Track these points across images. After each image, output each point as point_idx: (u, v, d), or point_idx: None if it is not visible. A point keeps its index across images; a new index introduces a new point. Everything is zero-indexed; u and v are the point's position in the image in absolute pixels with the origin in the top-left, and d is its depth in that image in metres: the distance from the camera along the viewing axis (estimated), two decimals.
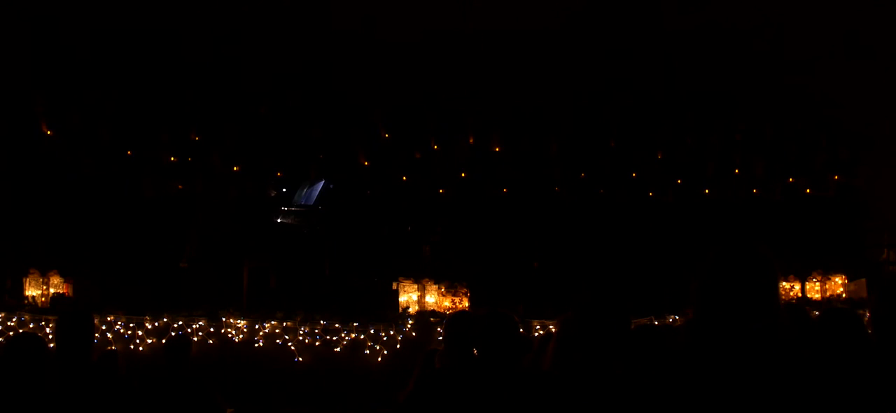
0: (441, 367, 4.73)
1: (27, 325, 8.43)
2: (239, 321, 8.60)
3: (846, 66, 10.93)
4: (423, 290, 9.21)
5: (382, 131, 11.75)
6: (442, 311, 9.05)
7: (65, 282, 9.35)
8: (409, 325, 8.57)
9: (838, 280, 9.76)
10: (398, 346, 8.45)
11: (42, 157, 10.95)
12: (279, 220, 10.91)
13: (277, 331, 8.56)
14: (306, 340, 8.52)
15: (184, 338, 7.08)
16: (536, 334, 8.25)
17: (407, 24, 10.84)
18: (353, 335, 8.52)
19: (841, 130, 11.83)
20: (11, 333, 8.22)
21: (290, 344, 8.52)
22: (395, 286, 9.27)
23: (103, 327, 8.45)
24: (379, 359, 8.42)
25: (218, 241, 10.02)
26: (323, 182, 11.39)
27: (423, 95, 11.64)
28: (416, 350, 7.34)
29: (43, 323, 8.44)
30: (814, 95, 11.24)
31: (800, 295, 9.63)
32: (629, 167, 11.73)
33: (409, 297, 9.16)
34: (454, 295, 9.20)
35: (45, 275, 9.26)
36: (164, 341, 7.28)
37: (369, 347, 8.47)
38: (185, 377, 6.03)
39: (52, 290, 9.22)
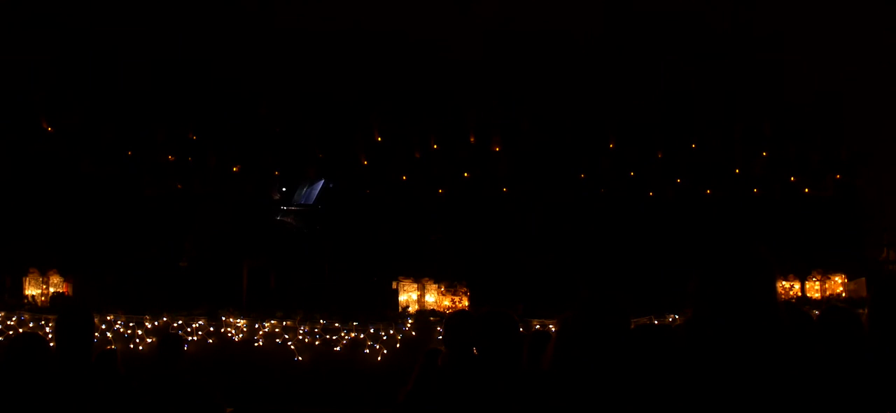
0: (441, 366, 4.73)
1: (27, 325, 8.43)
2: (238, 320, 8.60)
3: (847, 66, 10.92)
4: (422, 290, 9.21)
5: (382, 131, 11.75)
6: (442, 310, 9.05)
7: (64, 281, 9.35)
8: (408, 325, 8.57)
9: (838, 279, 9.75)
10: (398, 345, 8.45)
11: (42, 157, 10.96)
12: (279, 220, 10.92)
13: (277, 330, 8.56)
14: (306, 340, 8.52)
15: (175, 336, 7.07)
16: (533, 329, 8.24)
17: (407, 23, 10.83)
18: (352, 335, 8.52)
19: (841, 130, 11.82)
20: (11, 333, 8.22)
21: (289, 343, 8.51)
22: (394, 286, 9.27)
23: (103, 327, 8.45)
24: (379, 358, 8.42)
25: (218, 241, 10.03)
26: (322, 182, 11.41)
27: (423, 95, 11.65)
28: (416, 349, 7.34)
29: (43, 322, 8.43)
30: (814, 95, 11.23)
31: (800, 294, 9.62)
32: (629, 167, 11.73)
33: (408, 296, 9.16)
34: (454, 294, 9.20)
35: (44, 274, 9.27)
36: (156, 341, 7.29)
37: (369, 347, 8.47)
38: (181, 376, 6.02)
39: (51, 290, 9.23)
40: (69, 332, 4.61)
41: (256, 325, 8.57)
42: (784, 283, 9.52)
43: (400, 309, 9.04)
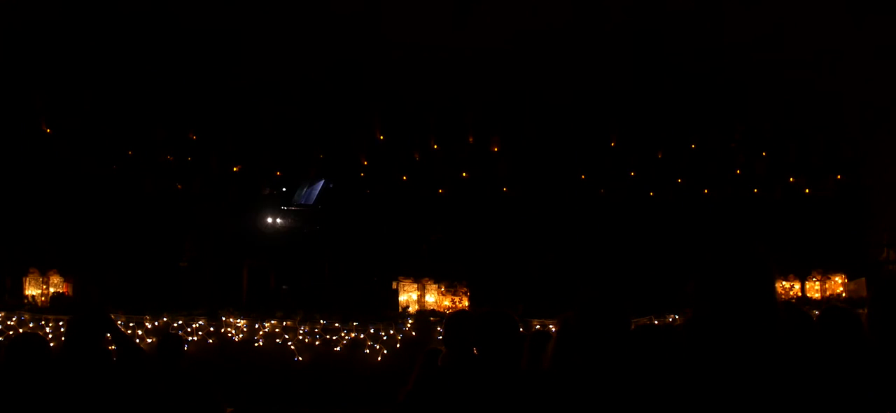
0: (441, 366, 4.73)
1: (27, 325, 8.43)
2: (239, 320, 8.60)
3: (848, 65, 10.91)
4: (422, 290, 9.22)
5: (382, 131, 11.75)
6: (442, 310, 9.05)
7: (64, 281, 9.36)
8: (408, 325, 8.58)
9: (838, 279, 9.76)
10: (398, 345, 8.46)
11: (42, 157, 10.96)
12: (279, 221, 10.93)
13: (277, 330, 8.56)
14: (306, 340, 8.53)
15: (175, 336, 7.08)
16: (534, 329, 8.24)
17: (406, 23, 10.82)
18: (352, 335, 8.53)
19: (843, 129, 11.81)
20: (11, 333, 8.22)
21: (289, 343, 8.52)
22: (394, 286, 9.28)
23: None
24: (379, 358, 8.43)
25: (218, 241, 10.04)
26: (323, 182, 11.42)
27: (423, 95, 11.65)
28: (416, 349, 7.34)
29: (43, 322, 8.43)
30: (815, 95, 11.22)
31: (800, 294, 9.62)
32: (629, 167, 11.73)
33: (408, 296, 9.17)
34: (454, 294, 9.21)
35: (44, 274, 9.27)
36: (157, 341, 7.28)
37: (369, 347, 8.48)
38: (181, 376, 6.02)
39: (51, 290, 9.23)
40: (82, 337, 4.62)
41: (256, 325, 8.57)
42: (784, 283, 9.53)
43: (400, 309, 9.05)
